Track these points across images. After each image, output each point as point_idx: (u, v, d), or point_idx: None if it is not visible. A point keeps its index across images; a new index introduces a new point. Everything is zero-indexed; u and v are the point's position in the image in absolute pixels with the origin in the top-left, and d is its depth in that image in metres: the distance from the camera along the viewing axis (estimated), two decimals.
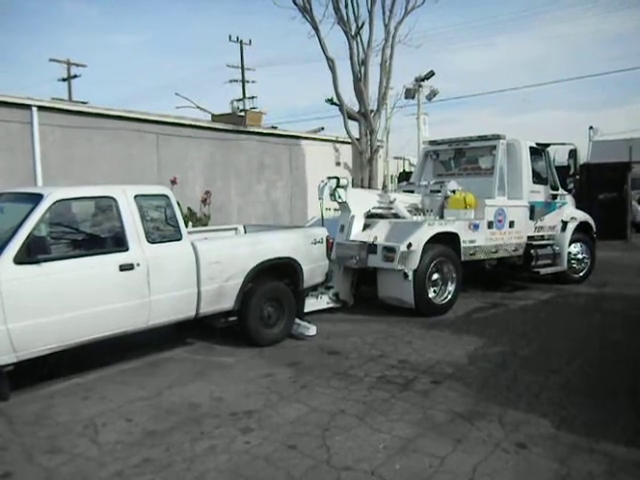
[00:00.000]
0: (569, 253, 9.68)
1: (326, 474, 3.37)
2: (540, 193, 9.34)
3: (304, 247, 6.46)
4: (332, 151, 17.06)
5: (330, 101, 18.00)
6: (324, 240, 6.75)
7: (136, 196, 5.08)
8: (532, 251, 9.06)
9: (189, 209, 11.34)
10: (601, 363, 5.39)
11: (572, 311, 7.75)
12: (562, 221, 9.70)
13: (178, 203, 10.43)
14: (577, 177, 9.98)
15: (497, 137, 8.92)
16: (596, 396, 4.54)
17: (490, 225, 8.38)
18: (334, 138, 17.08)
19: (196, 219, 11.30)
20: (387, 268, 7.27)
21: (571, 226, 9.74)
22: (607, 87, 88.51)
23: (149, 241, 5.07)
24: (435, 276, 7.65)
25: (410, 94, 24.85)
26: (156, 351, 5.85)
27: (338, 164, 17.36)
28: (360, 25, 16.99)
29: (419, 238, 7.27)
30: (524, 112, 72.06)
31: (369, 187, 17.77)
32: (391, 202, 8.46)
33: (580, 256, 9.95)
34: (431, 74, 25.09)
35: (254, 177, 14.33)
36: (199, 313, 5.49)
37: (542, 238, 9.42)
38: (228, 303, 5.72)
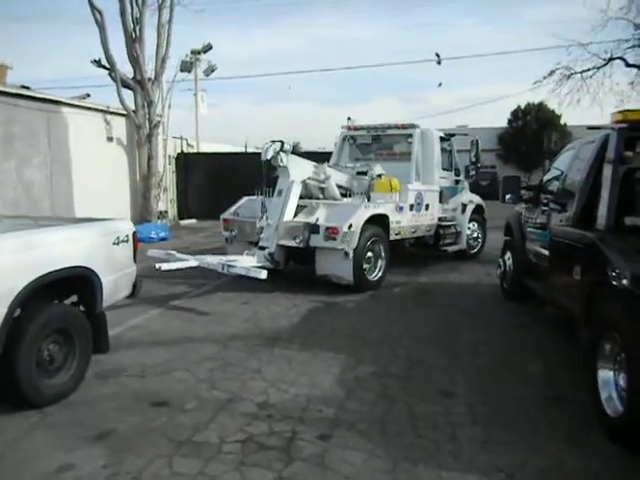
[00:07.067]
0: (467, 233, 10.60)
1: None
2: (446, 179, 10.11)
3: (103, 250, 4.42)
4: (102, 123, 14.27)
5: (98, 63, 15.05)
6: (130, 238, 4.78)
7: None
8: (440, 231, 9.76)
9: None
10: (480, 374, 4.67)
11: (429, 304, 7.15)
12: (462, 204, 10.46)
13: None
14: (478, 165, 10.73)
15: (413, 126, 9.60)
16: (513, 427, 3.70)
17: (411, 208, 8.94)
18: (105, 108, 14.30)
19: None
20: (329, 247, 7.47)
21: (470, 208, 10.55)
22: (354, 85, 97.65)
23: None
24: (369, 254, 7.92)
25: (187, 67, 22.87)
26: None
27: (110, 139, 14.66)
28: None
29: (358, 219, 7.57)
30: (278, 102, 75.01)
31: (148, 168, 15.45)
32: (326, 178, 8.64)
33: (475, 234, 10.88)
34: (209, 47, 23.46)
35: None
36: None
37: (446, 219, 10.03)
38: None
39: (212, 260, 7.36)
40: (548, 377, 4.62)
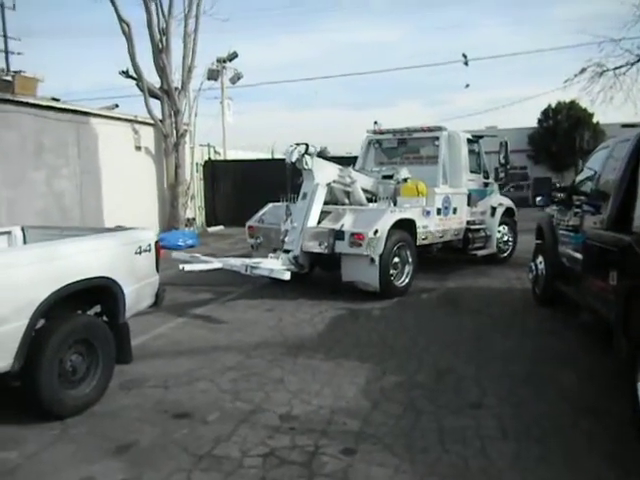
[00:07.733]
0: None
1: None
2: (475, 181, 9.96)
3: (125, 259, 4.41)
4: (131, 133, 14.46)
5: (125, 74, 15.28)
6: (152, 247, 4.77)
7: None
8: (470, 235, 9.52)
9: None
10: (511, 385, 4.49)
11: (455, 311, 6.97)
12: (491, 207, 10.20)
13: None
14: (508, 167, 10.51)
15: (439, 129, 9.43)
16: (546, 441, 3.52)
17: (439, 212, 8.75)
18: (133, 117, 14.49)
19: None
20: (354, 253, 7.32)
21: (499, 211, 10.28)
22: (378, 89, 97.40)
23: None
24: (395, 260, 7.75)
25: (213, 75, 23.03)
26: None
27: (138, 148, 14.83)
28: None
29: (384, 224, 7.44)
30: (304, 108, 75.30)
31: (176, 176, 15.58)
32: (352, 182, 8.55)
33: (505, 238, 10.61)
34: (234, 55, 23.57)
35: (30, 162, 11.22)
36: None
37: (475, 223, 9.82)
38: (1, 362, 3.48)
39: (235, 262, 7.36)
40: (582, 387, 4.41)
